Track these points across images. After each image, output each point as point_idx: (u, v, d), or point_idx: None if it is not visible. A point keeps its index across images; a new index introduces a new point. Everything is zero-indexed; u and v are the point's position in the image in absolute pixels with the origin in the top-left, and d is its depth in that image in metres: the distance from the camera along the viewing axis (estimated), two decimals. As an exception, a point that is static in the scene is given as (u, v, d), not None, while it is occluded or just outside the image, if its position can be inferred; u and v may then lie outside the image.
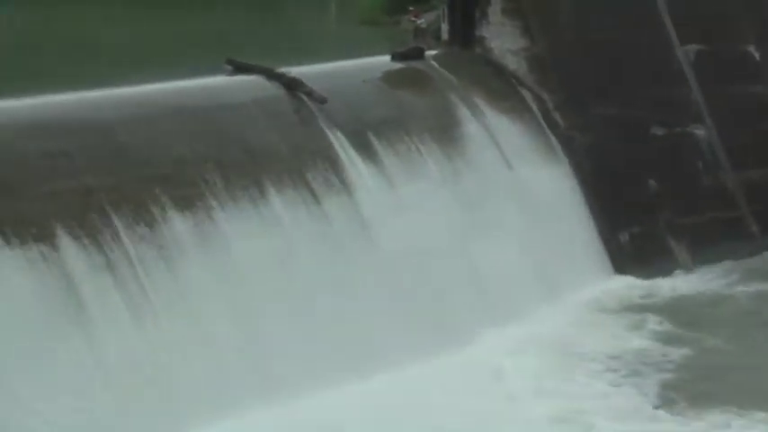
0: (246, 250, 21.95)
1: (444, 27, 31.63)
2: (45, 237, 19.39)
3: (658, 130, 30.82)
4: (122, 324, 19.68)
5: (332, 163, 24.48)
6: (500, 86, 29.86)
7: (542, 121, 29.77)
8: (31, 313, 18.67)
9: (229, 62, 26.74)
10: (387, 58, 29.41)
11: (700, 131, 31.42)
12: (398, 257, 24.13)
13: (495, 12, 30.71)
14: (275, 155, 23.84)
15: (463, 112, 28.06)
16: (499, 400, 21.56)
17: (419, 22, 35.56)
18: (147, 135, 22.47)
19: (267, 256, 22.27)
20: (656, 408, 21.74)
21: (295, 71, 25.98)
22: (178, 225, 21.27)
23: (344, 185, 24.31)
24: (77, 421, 18.38)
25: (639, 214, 29.85)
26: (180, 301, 20.69)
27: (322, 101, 25.32)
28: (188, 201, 21.65)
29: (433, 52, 30.16)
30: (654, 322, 25.98)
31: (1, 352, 18.00)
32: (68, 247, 19.53)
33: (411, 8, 38.91)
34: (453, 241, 25.49)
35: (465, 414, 20.61)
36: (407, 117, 26.96)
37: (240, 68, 26.41)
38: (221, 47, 34.03)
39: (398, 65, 29.13)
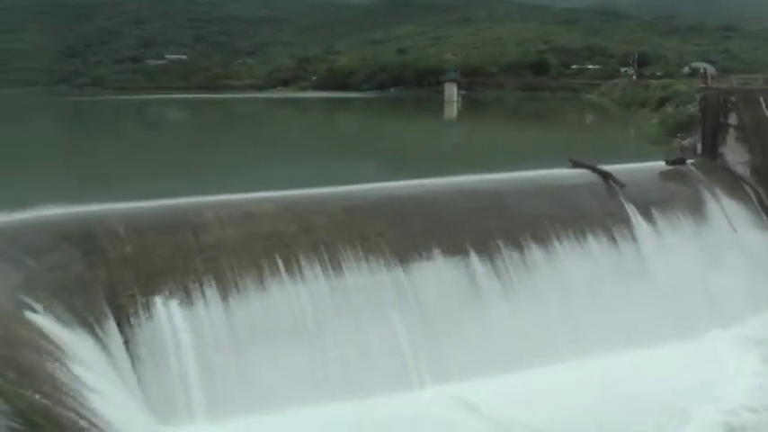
0: (572, 268, 22.17)
1: (699, 146, 30.50)
2: (462, 253, 20.44)
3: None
4: (500, 305, 20.50)
5: (626, 221, 24.21)
6: (731, 183, 28.48)
7: (757, 205, 28.14)
8: (454, 294, 19.86)
9: (570, 160, 26.83)
10: (662, 162, 28.61)
11: None
12: (664, 280, 23.54)
13: (730, 138, 29.46)
14: (593, 215, 23.81)
15: (707, 197, 27.08)
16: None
17: (683, 142, 34.65)
18: (520, 200, 23.21)
19: (584, 272, 22.33)
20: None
21: (607, 167, 25.84)
22: (534, 250, 21.76)
23: (632, 235, 23.98)
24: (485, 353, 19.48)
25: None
26: (532, 293, 21.14)
27: (622, 185, 25.13)
28: (541, 237, 22.10)
29: (691, 161, 29.15)
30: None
31: (436, 316, 19.36)
32: (474, 260, 20.52)
33: (678, 134, 38.02)
34: (695, 271, 24.52)
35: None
36: (673, 197, 26.30)
37: (576, 164, 26.48)
38: (566, 150, 33.96)
39: (670, 167, 28.31)
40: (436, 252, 20.07)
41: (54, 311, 13.91)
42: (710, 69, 68.58)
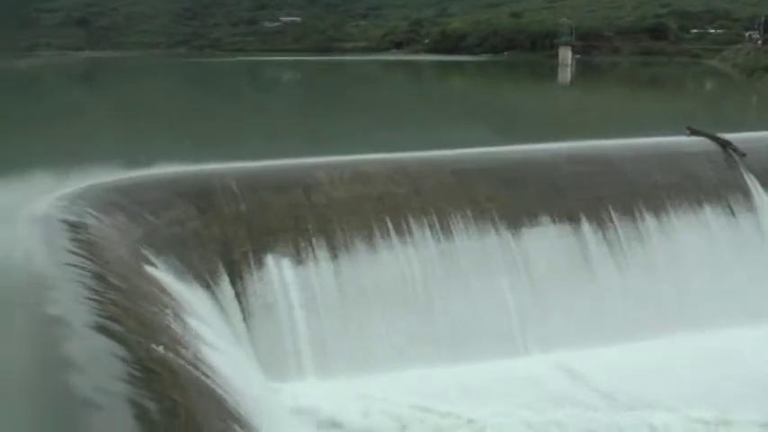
0: (686, 238, 21.32)
1: (828, 115, 28.97)
2: (573, 220, 20.06)
3: None
4: (610, 274, 20.06)
5: (745, 192, 23.08)
6: None
7: None
8: (563, 261, 19.61)
9: (688, 128, 25.70)
10: (788, 131, 27.18)
11: None
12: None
13: None
14: (710, 184, 22.81)
15: (836, 170, 25.57)
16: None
17: (812, 111, 33.00)
18: (635, 166, 22.38)
19: (699, 243, 21.45)
20: None
21: (727, 135, 24.62)
22: (647, 219, 21.11)
23: (752, 208, 22.85)
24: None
25: None
26: (644, 263, 20.52)
27: (742, 155, 23.96)
28: (655, 206, 21.37)
29: (821, 130, 27.58)
30: None
31: (544, 282, 19.13)
32: (585, 227, 20.11)
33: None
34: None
35: None
36: (797, 168, 24.94)
37: (694, 132, 25.35)
38: (683, 117, 32.79)
39: (795, 136, 26.84)
40: (546, 218, 19.77)
41: (171, 265, 14.34)
42: (843, 34, 65.01)
